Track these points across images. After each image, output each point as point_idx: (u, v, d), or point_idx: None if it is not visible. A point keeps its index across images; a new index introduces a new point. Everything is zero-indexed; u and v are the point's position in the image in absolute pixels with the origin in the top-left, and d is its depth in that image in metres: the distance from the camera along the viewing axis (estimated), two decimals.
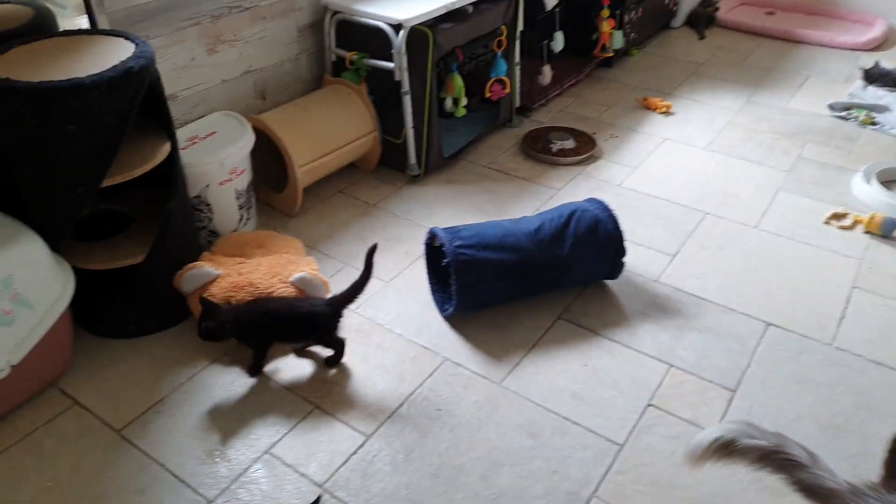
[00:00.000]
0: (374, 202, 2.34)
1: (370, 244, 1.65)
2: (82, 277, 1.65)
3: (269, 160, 2.25)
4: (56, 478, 1.44)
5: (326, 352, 1.71)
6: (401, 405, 1.59)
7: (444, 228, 1.79)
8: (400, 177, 2.46)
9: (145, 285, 1.75)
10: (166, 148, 1.69)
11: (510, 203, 2.32)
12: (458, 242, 1.73)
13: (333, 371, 1.68)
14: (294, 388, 1.64)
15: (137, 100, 1.53)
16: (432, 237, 1.84)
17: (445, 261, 1.74)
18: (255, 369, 1.68)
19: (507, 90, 2.64)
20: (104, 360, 1.72)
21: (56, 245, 1.59)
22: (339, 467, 1.45)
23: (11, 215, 1.56)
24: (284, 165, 2.19)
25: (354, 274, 1.98)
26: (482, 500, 1.38)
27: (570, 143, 2.57)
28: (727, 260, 2.05)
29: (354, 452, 1.48)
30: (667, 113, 2.89)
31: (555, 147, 2.55)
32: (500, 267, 1.74)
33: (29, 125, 1.45)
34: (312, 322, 1.65)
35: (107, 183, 1.57)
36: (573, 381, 1.65)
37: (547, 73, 2.87)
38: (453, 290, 1.73)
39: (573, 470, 1.44)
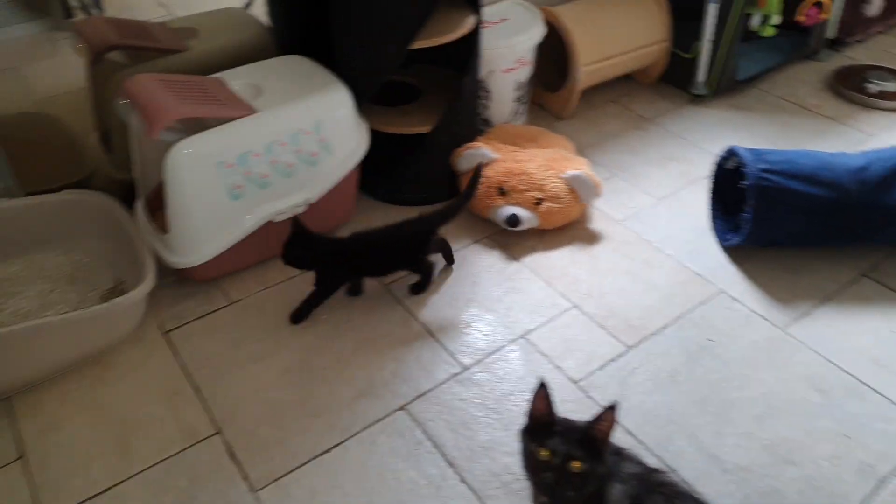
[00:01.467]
0: (650, 117, 2.17)
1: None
2: (371, 142, 1.70)
3: (545, 57, 2.17)
4: (330, 313, 1.54)
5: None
6: (666, 325, 1.49)
7: (748, 149, 1.60)
8: (681, 95, 2.26)
9: (427, 157, 1.78)
10: (471, 21, 1.67)
11: (808, 142, 2.04)
12: (763, 165, 1.53)
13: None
14: (553, 284, 1.60)
15: None
16: (729, 156, 1.66)
17: (745, 183, 1.56)
18: (302, 315, 1.51)
19: (825, 15, 2.28)
20: (379, 221, 1.78)
21: (359, 102, 1.66)
22: (596, 370, 1.39)
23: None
24: (563, 64, 2.09)
25: (622, 184, 1.89)
26: (755, 441, 1.25)
27: (893, 86, 2.18)
28: None
29: (613, 360, 1.42)
30: None
31: (873, 88, 2.18)
32: (809, 202, 1.52)
33: None
34: (413, 245, 1.53)
35: (416, 45, 1.59)
36: (876, 345, 1.42)
37: (877, 1, 2.44)
38: (746, 218, 1.55)
39: (870, 440, 1.25)
